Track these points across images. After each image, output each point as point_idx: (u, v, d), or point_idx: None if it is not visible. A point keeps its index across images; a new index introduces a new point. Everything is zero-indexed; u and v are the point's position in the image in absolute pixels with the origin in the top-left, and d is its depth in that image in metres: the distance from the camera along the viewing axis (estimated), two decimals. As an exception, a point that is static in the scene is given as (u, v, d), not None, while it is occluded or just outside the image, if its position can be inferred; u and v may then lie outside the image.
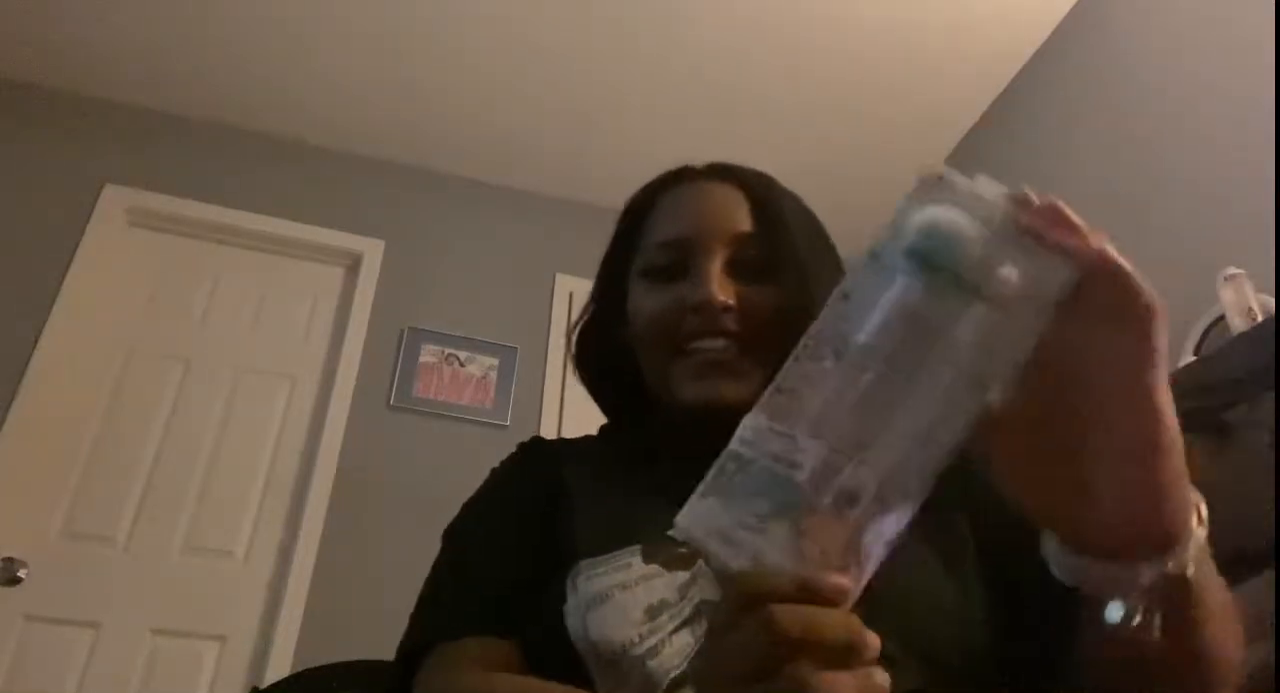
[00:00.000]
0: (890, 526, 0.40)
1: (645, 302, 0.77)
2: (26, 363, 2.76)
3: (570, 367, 0.87)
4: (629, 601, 0.61)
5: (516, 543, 0.72)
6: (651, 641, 0.59)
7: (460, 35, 3.02)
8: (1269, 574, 1.36)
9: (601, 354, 0.84)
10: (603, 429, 0.88)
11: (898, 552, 0.60)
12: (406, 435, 2.99)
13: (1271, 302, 1.74)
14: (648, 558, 0.63)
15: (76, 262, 2.95)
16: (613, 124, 3.32)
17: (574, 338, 0.86)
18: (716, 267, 0.74)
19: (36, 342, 2.80)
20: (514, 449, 0.84)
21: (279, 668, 2.48)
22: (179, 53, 3.12)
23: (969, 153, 3.25)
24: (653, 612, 0.60)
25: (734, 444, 0.42)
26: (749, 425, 0.42)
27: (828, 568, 0.38)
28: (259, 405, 2.98)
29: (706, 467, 0.60)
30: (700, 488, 0.42)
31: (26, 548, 2.57)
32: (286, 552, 2.74)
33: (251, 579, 2.71)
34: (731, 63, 3.07)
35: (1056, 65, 2.90)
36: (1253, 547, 1.36)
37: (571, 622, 0.61)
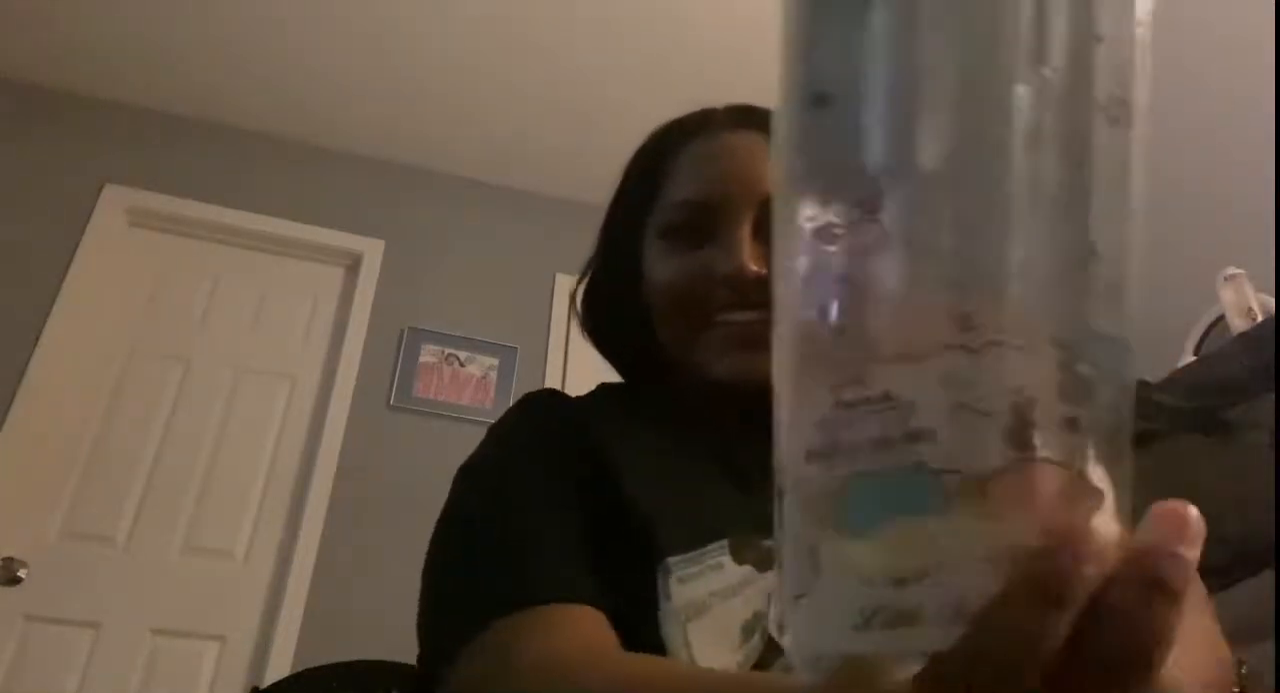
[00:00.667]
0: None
1: (666, 267, 0.71)
2: (26, 363, 2.76)
3: (576, 325, 0.81)
4: (727, 615, 0.57)
5: (577, 508, 0.62)
6: (749, 667, 0.56)
7: (460, 35, 3.02)
8: (1269, 574, 1.36)
9: (611, 313, 0.78)
10: (612, 387, 0.79)
11: None
12: (406, 435, 2.99)
13: (1271, 302, 1.74)
14: (737, 556, 0.60)
15: (76, 262, 2.95)
16: (613, 124, 3.32)
17: (579, 295, 0.81)
18: (746, 232, 0.67)
19: (36, 342, 2.80)
20: (520, 400, 0.75)
21: (279, 668, 2.48)
22: (179, 53, 3.12)
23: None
24: (748, 629, 0.57)
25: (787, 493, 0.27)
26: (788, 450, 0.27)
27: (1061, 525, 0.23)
28: (259, 405, 2.98)
29: (756, 438, 0.53)
30: (783, 584, 0.26)
31: (26, 548, 2.57)
32: (286, 552, 2.74)
33: (251, 579, 2.71)
34: (731, 63, 3.07)
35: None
36: (1253, 547, 1.36)
37: (669, 631, 0.56)
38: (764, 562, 0.59)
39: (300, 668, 1.36)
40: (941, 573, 0.23)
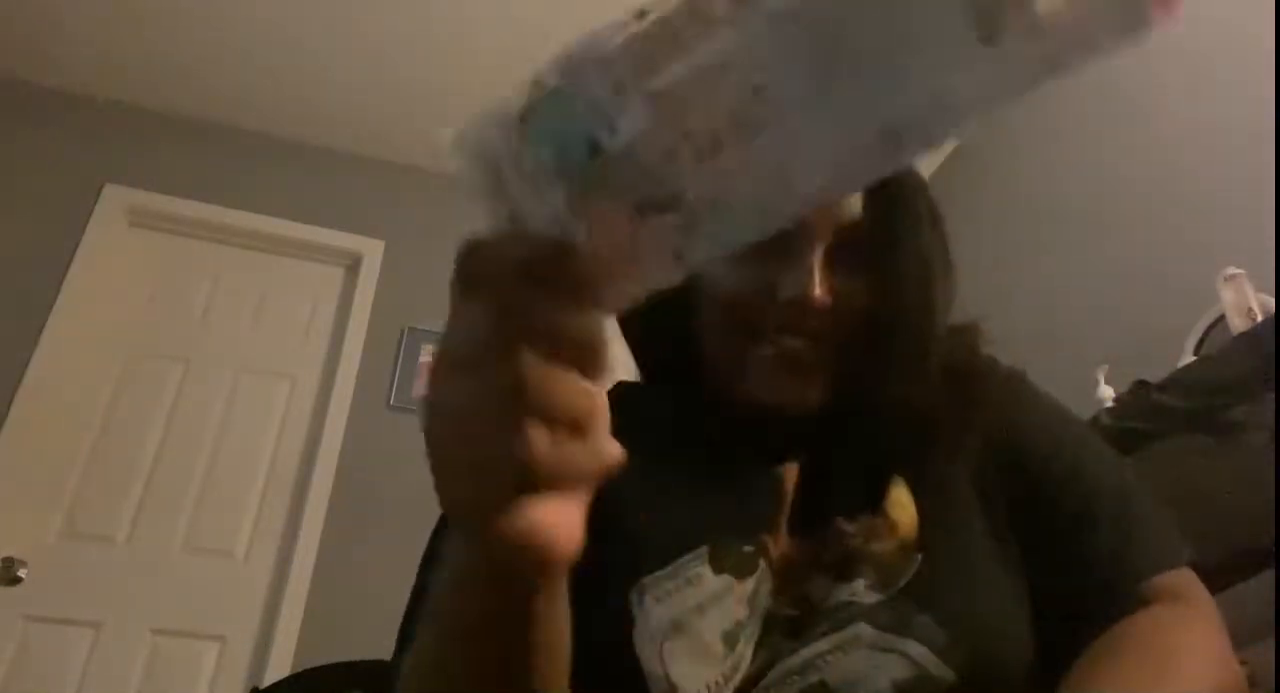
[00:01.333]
0: (686, 249, 0.29)
1: (728, 273, 0.66)
2: (26, 363, 2.76)
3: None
4: (705, 629, 0.57)
5: None
6: (736, 679, 0.56)
7: (460, 36, 3.02)
8: (1269, 574, 1.36)
9: (652, 304, 0.72)
10: (625, 387, 0.75)
11: (960, 541, 0.59)
12: (406, 435, 2.99)
13: (1271, 302, 1.74)
14: (716, 565, 0.59)
15: (76, 262, 2.95)
16: (613, 124, 3.32)
17: None
18: (819, 256, 0.63)
19: (36, 342, 2.80)
20: None
21: (279, 668, 2.48)
22: (180, 53, 3.12)
23: (967, 154, 3.25)
24: (731, 639, 0.56)
25: (555, 64, 0.32)
26: (588, 46, 0.32)
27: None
28: (259, 405, 2.98)
29: (773, 457, 0.59)
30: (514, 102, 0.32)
31: (26, 548, 2.57)
32: (286, 552, 2.74)
33: (251, 579, 2.71)
34: (731, 63, 3.07)
35: (1056, 65, 2.90)
36: (1253, 546, 1.36)
37: (645, 653, 0.56)
38: (744, 568, 0.59)
39: (300, 668, 1.36)
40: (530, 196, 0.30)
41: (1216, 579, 1.43)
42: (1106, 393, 1.96)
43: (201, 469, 2.84)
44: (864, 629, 0.56)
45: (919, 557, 0.58)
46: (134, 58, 3.13)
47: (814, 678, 0.55)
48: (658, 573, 0.59)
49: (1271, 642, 1.26)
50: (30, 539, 2.59)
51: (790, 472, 0.64)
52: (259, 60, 3.13)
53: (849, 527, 0.59)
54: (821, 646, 0.56)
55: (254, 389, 3.00)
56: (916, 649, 0.54)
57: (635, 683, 0.56)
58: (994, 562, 0.61)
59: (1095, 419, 1.74)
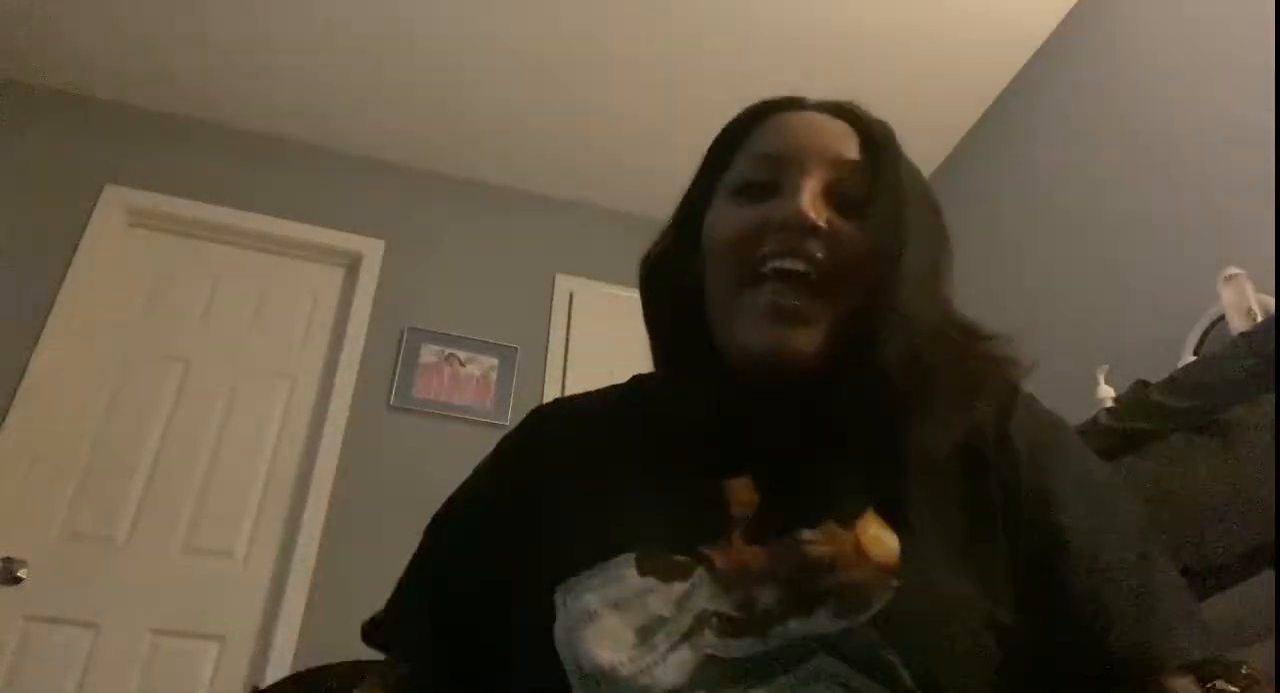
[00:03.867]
0: None
1: (728, 217, 0.69)
2: (26, 363, 2.76)
3: (640, 298, 0.76)
4: (619, 621, 0.57)
5: (494, 542, 0.69)
6: (644, 661, 0.55)
7: (460, 37, 3.02)
8: (1269, 574, 1.36)
9: (674, 288, 0.72)
10: (638, 380, 0.77)
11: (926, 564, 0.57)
12: (406, 435, 2.99)
13: (1271, 302, 1.74)
14: (642, 569, 0.59)
15: (76, 262, 2.95)
16: (612, 125, 3.32)
17: (644, 265, 0.76)
18: (814, 185, 0.67)
19: (36, 342, 2.80)
20: (526, 416, 0.79)
21: (279, 668, 2.48)
22: (179, 53, 3.12)
23: (968, 153, 3.25)
24: (645, 633, 0.56)
25: None
26: None
27: None
28: (259, 405, 2.98)
29: (730, 449, 0.58)
30: None
31: (26, 548, 2.57)
32: (286, 552, 2.74)
33: (251, 579, 2.71)
34: (730, 65, 3.07)
35: (1055, 66, 2.90)
36: (1253, 546, 1.36)
37: (560, 641, 0.57)
38: (668, 573, 0.58)
39: (300, 668, 1.36)
40: None
41: (1216, 579, 1.43)
42: (1106, 393, 1.96)
43: (201, 469, 2.84)
44: (825, 663, 0.53)
45: (895, 583, 0.55)
46: (134, 58, 3.13)
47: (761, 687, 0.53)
48: (583, 574, 0.60)
49: (1272, 642, 1.26)
50: (30, 539, 2.59)
51: (742, 485, 0.62)
52: (259, 60, 3.14)
53: (810, 535, 0.57)
54: (781, 683, 0.53)
55: (254, 389, 3.00)
56: (878, 690, 0.52)
57: (558, 679, 0.56)
58: (969, 583, 0.57)
59: (1095, 419, 1.74)
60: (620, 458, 0.68)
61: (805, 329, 0.63)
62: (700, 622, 0.56)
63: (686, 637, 0.56)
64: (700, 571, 0.58)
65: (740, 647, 0.55)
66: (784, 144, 0.71)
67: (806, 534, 0.57)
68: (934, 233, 0.71)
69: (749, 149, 0.74)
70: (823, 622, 0.54)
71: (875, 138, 0.71)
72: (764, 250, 0.65)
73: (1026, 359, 0.70)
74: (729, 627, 0.56)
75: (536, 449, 0.73)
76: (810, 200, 0.65)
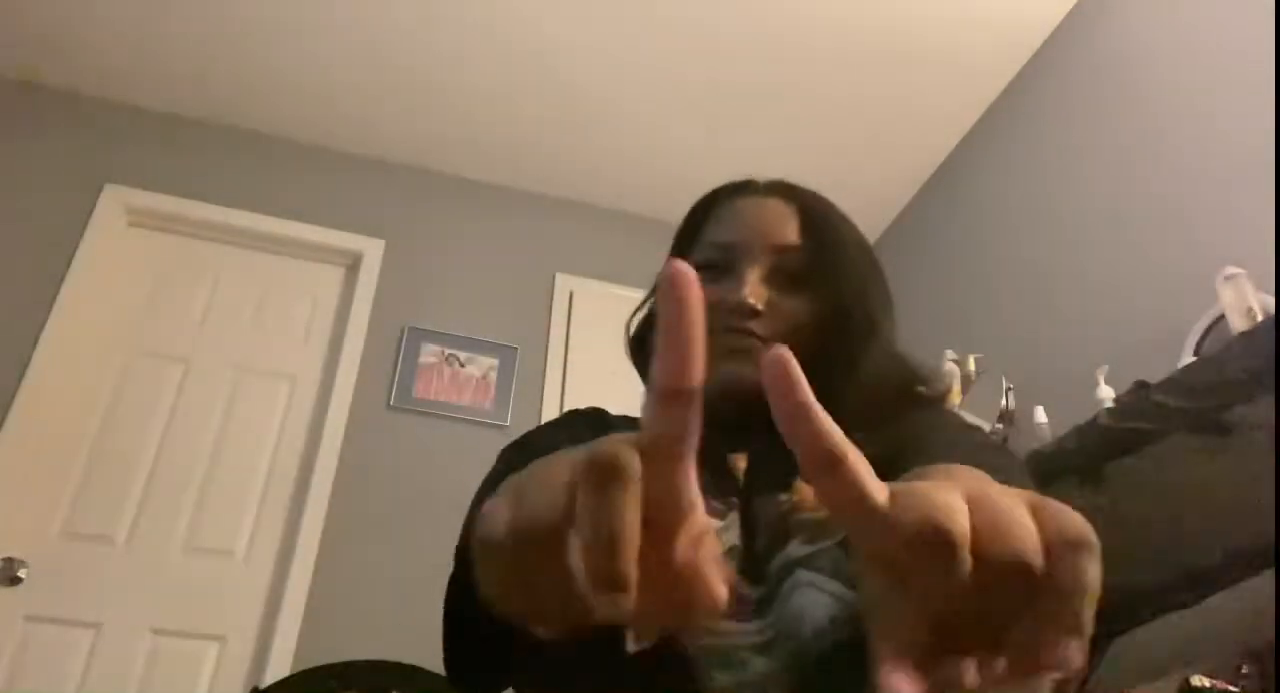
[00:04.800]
0: None
1: None
2: (26, 363, 2.76)
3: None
4: None
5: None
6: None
7: (460, 36, 3.03)
8: (1269, 574, 1.36)
9: (650, 342, 0.89)
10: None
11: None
12: (406, 435, 2.99)
13: (1271, 302, 1.74)
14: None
15: (76, 262, 2.95)
16: (613, 124, 3.32)
17: (628, 324, 0.92)
18: (756, 273, 0.82)
19: (36, 342, 2.80)
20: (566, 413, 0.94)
21: (279, 668, 2.48)
22: (179, 53, 3.12)
23: (968, 154, 3.26)
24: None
25: None
26: None
27: None
28: (259, 405, 2.98)
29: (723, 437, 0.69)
30: None
31: (26, 548, 2.57)
32: (286, 552, 2.74)
33: (251, 579, 2.71)
34: (731, 64, 3.07)
35: (1056, 66, 2.90)
36: (1253, 546, 1.36)
37: None
38: (711, 512, 0.71)
39: (300, 668, 1.36)
40: None
41: (1216, 579, 1.44)
42: (1106, 393, 1.96)
43: (201, 469, 2.84)
44: (802, 574, 0.66)
45: None
46: (134, 58, 3.14)
47: (766, 619, 0.66)
48: None
49: (1271, 642, 1.26)
50: (30, 539, 2.59)
51: (739, 459, 0.77)
52: (259, 60, 3.14)
53: (783, 496, 0.71)
54: (775, 603, 0.66)
55: (254, 389, 3.00)
56: (845, 591, 0.64)
57: None
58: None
59: (1095, 419, 1.74)
60: None
61: (755, 365, 0.73)
62: (730, 553, 0.70)
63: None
64: (733, 514, 0.73)
65: (754, 591, 0.68)
66: (735, 232, 0.86)
67: (781, 496, 0.72)
68: (872, 295, 0.85)
69: (706, 236, 0.89)
70: (796, 548, 0.68)
71: (813, 216, 0.85)
72: (718, 324, 0.80)
73: (940, 389, 0.86)
74: (741, 561, 0.70)
75: (599, 416, 0.89)
76: (751, 289, 0.80)
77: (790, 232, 0.84)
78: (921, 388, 0.82)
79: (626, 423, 0.88)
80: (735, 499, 0.74)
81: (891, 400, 0.79)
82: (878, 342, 0.81)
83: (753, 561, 0.69)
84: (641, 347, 0.92)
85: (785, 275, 0.82)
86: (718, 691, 0.64)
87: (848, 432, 0.71)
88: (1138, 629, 1.48)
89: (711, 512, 0.71)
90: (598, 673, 0.64)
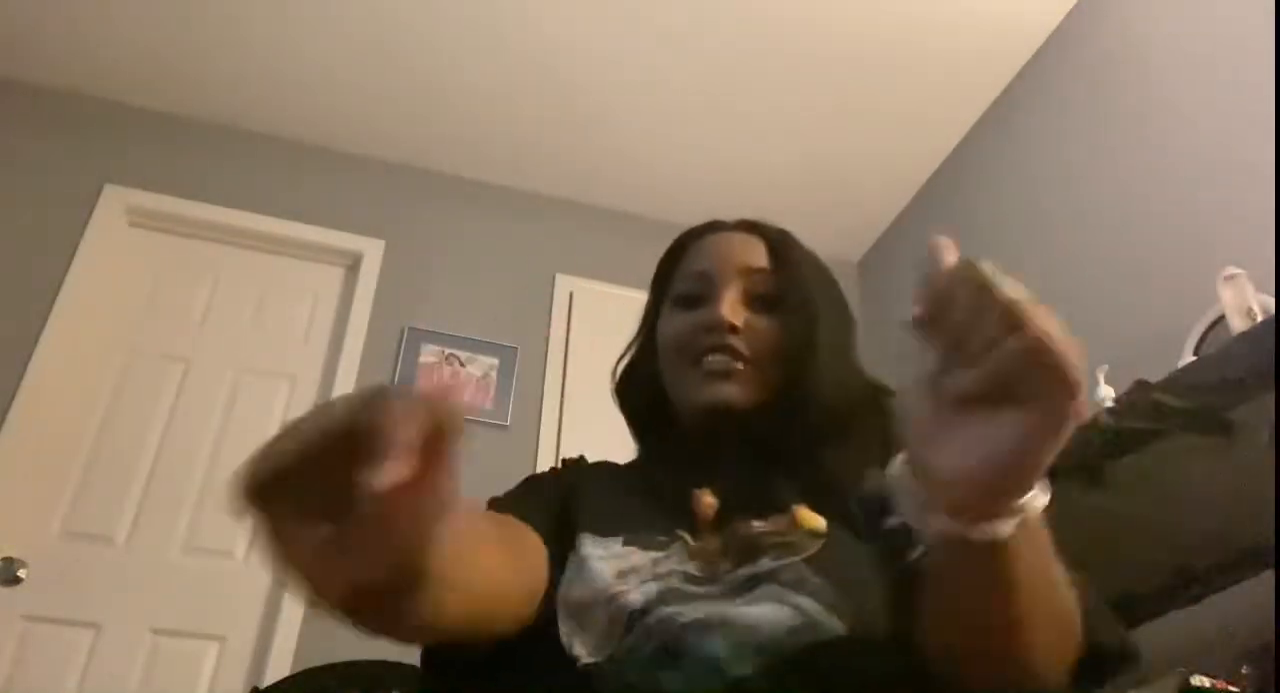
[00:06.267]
0: None
1: (672, 323, 0.92)
2: (26, 363, 2.76)
3: (613, 397, 0.99)
4: (604, 567, 0.74)
5: (545, 519, 0.83)
6: (619, 588, 0.71)
7: (459, 36, 3.03)
8: (1269, 574, 1.36)
9: (639, 384, 0.97)
10: (603, 462, 0.99)
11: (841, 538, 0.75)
12: (406, 435, 2.99)
13: (1271, 302, 1.74)
14: (627, 542, 0.77)
15: (76, 262, 2.95)
16: (613, 124, 3.32)
17: (615, 368, 0.99)
18: (732, 294, 0.88)
19: (36, 342, 2.80)
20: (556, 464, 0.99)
21: (279, 668, 2.48)
22: (179, 53, 3.12)
23: (968, 154, 3.25)
24: (623, 575, 0.73)
25: None
26: None
27: None
28: (259, 405, 2.98)
29: (697, 477, 0.81)
30: None
31: (26, 548, 2.57)
32: (286, 552, 2.73)
33: (251, 579, 2.71)
34: (731, 64, 3.07)
35: (1056, 66, 2.90)
36: (1253, 546, 1.36)
37: (561, 586, 0.74)
38: (648, 545, 0.76)
39: (300, 668, 1.36)
40: None
41: (1216, 579, 1.44)
42: (1106, 393, 1.96)
43: (201, 469, 2.84)
44: (767, 588, 0.69)
45: (820, 541, 0.72)
46: (134, 58, 3.14)
47: (725, 626, 0.67)
48: (584, 547, 0.77)
49: (1271, 642, 1.26)
50: (30, 539, 2.59)
51: (704, 493, 0.80)
52: (259, 60, 3.14)
53: (758, 523, 0.74)
54: (735, 603, 0.69)
55: (254, 389, 3.00)
56: (807, 603, 0.67)
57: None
58: (866, 551, 0.75)
59: (1095, 419, 1.74)
60: (626, 487, 0.88)
61: (738, 387, 0.85)
62: (669, 573, 0.73)
63: (656, 578, 0.72)
64: (676, 545, 0.76)
65: (700, 588, 0.71)
66: (709, 262, 0.92)
67: (755, 523, 0.75)
68: (838, 313, 0.92)
69: (682, 269, 0.95)
70: (764, 564, 0.71)
71: (779, 245, 0.92)
72: (700, 347, 0.87)
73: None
74: (692, 579, 0.72)
75: (578, 468, 0.94)
76: (729, 307, 0.87)
77: (759, 257, 0.91)
78: (887, 398, 0.86)
79: (577, 466, 0.94)
80: (681, 533, 0.77)
81: (860, 411, 0.84)
82: (844, 358, 0.89)
83: (714, 575, 0.73)
84: (628, 386, 0.97)
85: (757, 297, 0.89)
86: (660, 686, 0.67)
87: (821, 441, 0.81)
88: (1138, 629, 1.48)
89: (652, 545, 0.76)
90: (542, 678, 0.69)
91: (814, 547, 0.71)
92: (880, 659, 0.66)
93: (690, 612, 0.68)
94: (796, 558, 0.71)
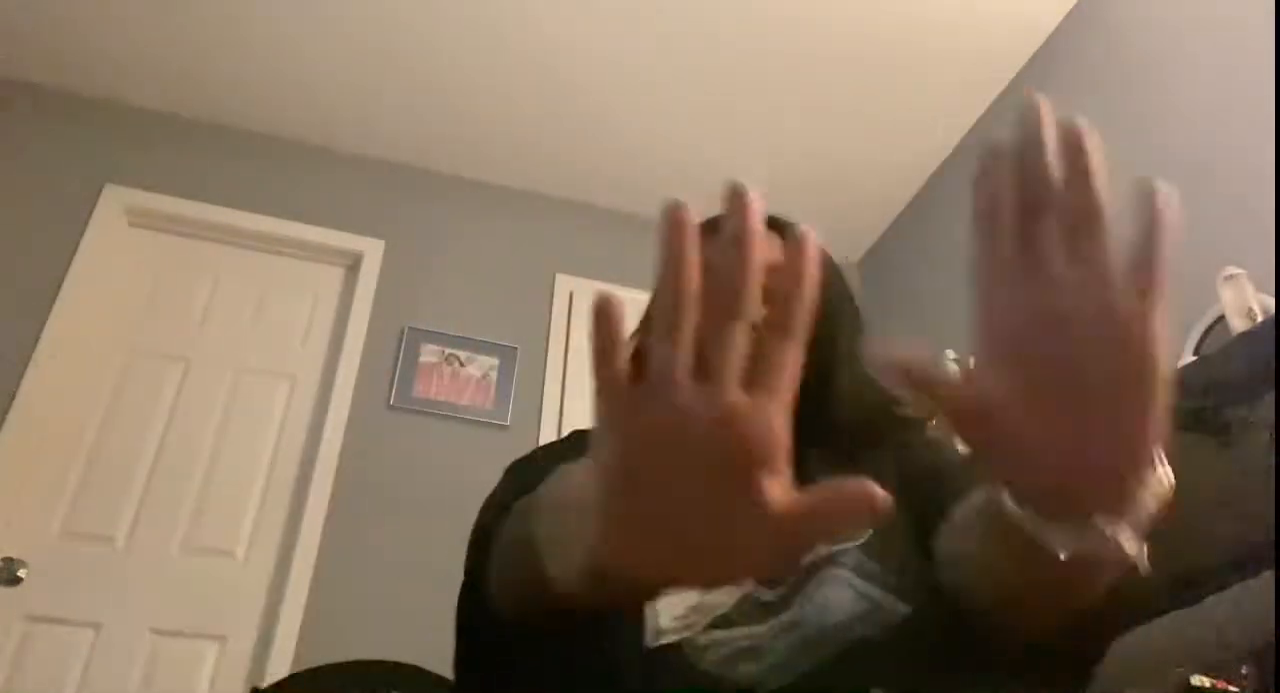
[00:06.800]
0: None
1: None
2: (26, 363, 2.76)
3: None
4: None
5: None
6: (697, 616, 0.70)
7: (459, 36, 3.02)
8: (1269, 575, 1.36)
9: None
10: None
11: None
12: (406, 435, 2.99)
13: (1271, 302, 1.74)
14: None
15: (76, 262, 2.95)
16: (613, 124, 3.32)
17: None
18: None
19: (36, 342, 2.80)
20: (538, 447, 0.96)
21: (279, 668, 2.48)
22: (179, 53, 3.12)
23: (968, 154, 3.25)
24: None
25: None
26: None
27: None
28: (259, 405, 2.98)
29: None
30: None
31: (26, 548, 2.57)
32: (286, 552, 2.74)
33: (251, 579, 2.71)
34: (731, 64, 3.07)
35: (1056, 66, 2.90)
36: (1253, 546, 1.36)
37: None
38: None
39: (300, 668, 1.36)
40: None
41: (1217, 579, 1.43)
42: (1106, 393, 1.95)
43: (201, 469, 2.84)
44: (830, 570, 0.71)
45: (871, 526, 0.72)
46: (134, 58, 3.14)
47: (791, 614, 0.69)
48: None
49: (1272, 642, 1.26)
50: (30, 539, 2.59)
51: None
52: (259, 60, 3.14)
53: None
54: (802, 597, 0.70)
55: (254, 389, 3.00)
56: (869, 588, 0.69)
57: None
58: (913, 533, 0.75)
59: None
60: None
61: None
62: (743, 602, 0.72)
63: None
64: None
65: (770, 593, 0.71)
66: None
67: None
68: (850, 316, 0.91)
69: None
70: (820, 549, 0.72)
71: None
72: None
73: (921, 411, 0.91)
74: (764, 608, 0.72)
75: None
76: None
77: (775, 255, 0.89)
78: (902, 410, 0.86)
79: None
80: None
81: (876, 423, 0.84)
82: (856, 367, 0.86)
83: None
84: None
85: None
86: (727, 686, 0.66)
87: (838, 456, 0.80)
88: (1138, 629, 1.48)
89: None
90: (599, 676, 0.66)
91: (865, 534, 0.73)
92: (946, 641, 0.66)
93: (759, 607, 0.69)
94: (851, 545, 0.72)
